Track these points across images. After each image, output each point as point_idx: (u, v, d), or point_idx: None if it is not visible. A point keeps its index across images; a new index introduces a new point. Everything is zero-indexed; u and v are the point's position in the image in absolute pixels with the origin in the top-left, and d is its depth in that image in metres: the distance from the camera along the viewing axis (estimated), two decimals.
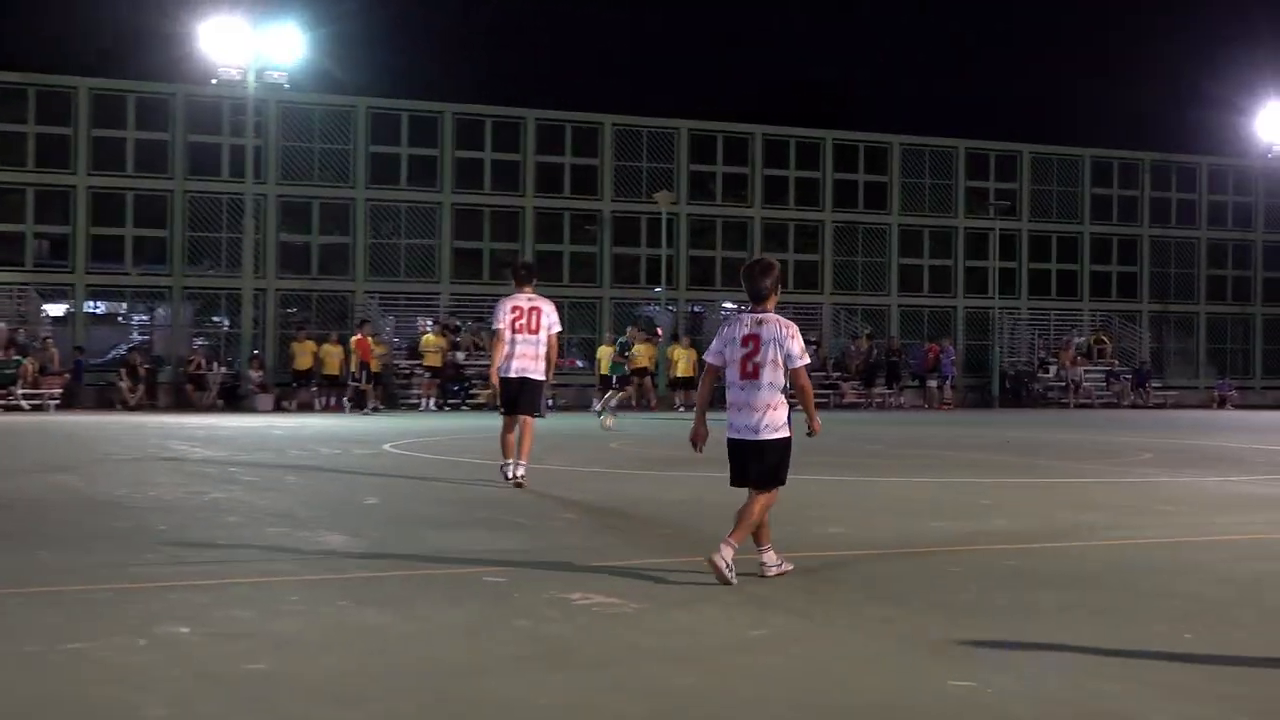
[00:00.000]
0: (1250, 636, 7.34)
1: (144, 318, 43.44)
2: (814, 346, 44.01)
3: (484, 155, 45.24)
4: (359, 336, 37.24)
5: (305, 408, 38.11)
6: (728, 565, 8.51)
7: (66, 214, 41.10)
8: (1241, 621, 7.73)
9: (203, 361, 39.82)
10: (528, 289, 15.18)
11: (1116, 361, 50.66)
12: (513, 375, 14.93)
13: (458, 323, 42.38)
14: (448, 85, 65.39)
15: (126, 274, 41.87)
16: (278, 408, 37.95)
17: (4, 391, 35.73)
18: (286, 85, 41.20)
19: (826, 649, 6.94)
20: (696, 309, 48.36)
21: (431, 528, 11.50)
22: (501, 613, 7.65)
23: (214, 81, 40.63)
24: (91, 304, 42.44)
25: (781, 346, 8.91)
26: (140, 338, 42.30)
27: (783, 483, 9.03)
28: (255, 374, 39.22)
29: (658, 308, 45.78)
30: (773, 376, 8.92)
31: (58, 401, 36.24)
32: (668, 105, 57.94)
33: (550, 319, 15.06)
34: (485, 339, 39.54)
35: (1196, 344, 54.41)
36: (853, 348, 47.09)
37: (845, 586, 8.73)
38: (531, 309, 14.99)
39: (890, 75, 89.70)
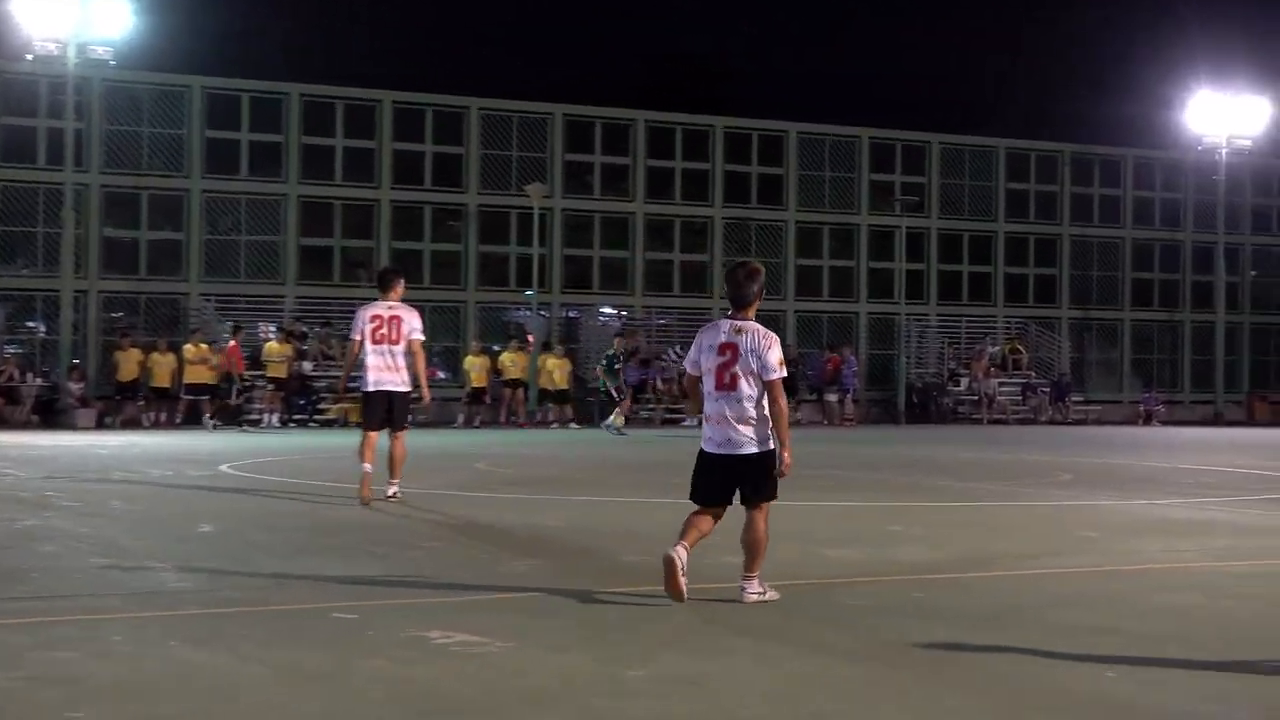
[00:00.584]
0: (1181, 676, 7.49)
1: None
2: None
3: (335, 142, 44.85)
4: (233, 343, 37.71)
5: (131, 424, 37.62)
6: (759, 596, 9.23)
7: None
8: (1168, 656, 7.88)
9: (15, 372, 39.14)
10: (391, 296, 15.70)
11: (1034, 373, 51.06)
12: (373, 389, 15.49)
13: (304, 329, 41.99)
14: (294, 63, 64.63)
15: None
16: (100, 424, 37.41)
17: None
18: (112, 62, 40.54)
19: (708, 693, 6.96)
20: (572, 314, 48.18)
21: (275, 557, 11.45)
22: (353, 653, 7.63)
23: (29, 57, 39.92)
24: None
25: (759, 357, 9.19)
26: None
27: (774, 497, 9.38)
28: (75, 386, 38.62)
29: (529, 312, 45.65)
30: (751, 388, 9.22)
31: None
32: (540, 85, 57.71)
33: (411, 324, 15.54)
34: (336, 347, 39.32)
35: (1120, 354, 55.10)
36: None
37: (737, 623, 8.80)
38: (392, 317, 15.52)
39: (767, 46, 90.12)
